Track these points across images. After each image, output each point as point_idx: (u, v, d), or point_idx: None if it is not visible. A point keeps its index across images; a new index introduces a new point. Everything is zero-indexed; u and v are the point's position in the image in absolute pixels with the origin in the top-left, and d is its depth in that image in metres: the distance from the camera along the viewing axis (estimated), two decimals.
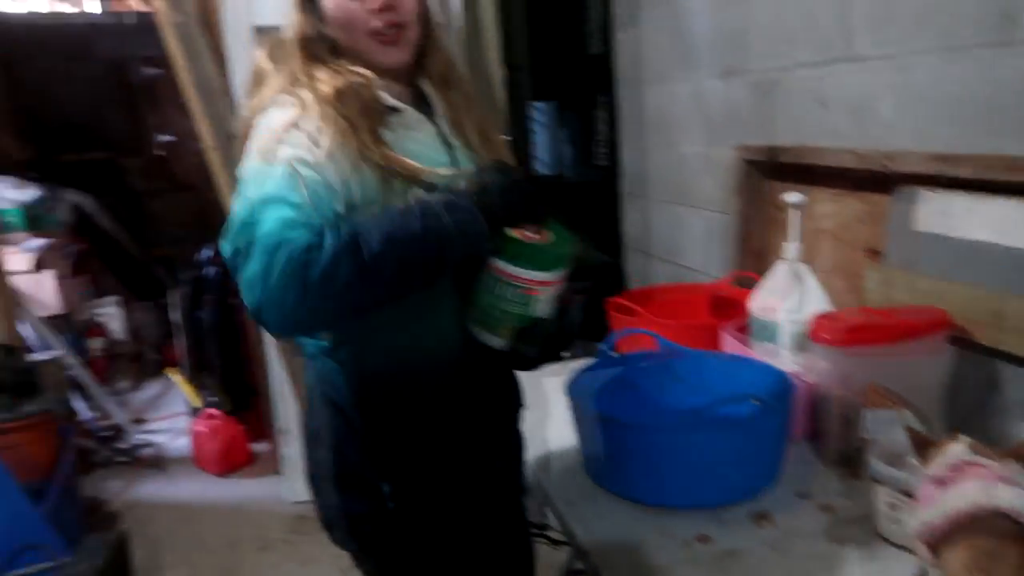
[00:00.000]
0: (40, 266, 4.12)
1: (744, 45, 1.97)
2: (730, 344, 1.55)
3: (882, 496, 1.09)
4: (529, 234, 1.10)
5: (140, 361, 4.78)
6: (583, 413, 1.30)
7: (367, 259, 0.97)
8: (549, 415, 1.59)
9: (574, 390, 1.34)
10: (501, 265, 1.10)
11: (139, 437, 3.74)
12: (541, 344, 1.16)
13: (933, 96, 1.40)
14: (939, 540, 0.83)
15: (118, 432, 3.74)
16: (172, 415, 4.01)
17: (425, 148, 1.18)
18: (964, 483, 0.83)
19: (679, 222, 2.47)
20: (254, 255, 0.97)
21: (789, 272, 1.43)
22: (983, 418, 1.32)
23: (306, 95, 1.12)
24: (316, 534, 1.36)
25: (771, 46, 1.87)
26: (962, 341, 1.33)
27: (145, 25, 5.52)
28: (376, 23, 1.14)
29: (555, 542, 1.75)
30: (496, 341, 1.14)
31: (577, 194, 3.20)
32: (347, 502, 1.22)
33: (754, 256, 2.07)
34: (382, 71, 1.18)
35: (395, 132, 1.15)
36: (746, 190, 2.02)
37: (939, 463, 0.87)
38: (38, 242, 4.23)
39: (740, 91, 2.02)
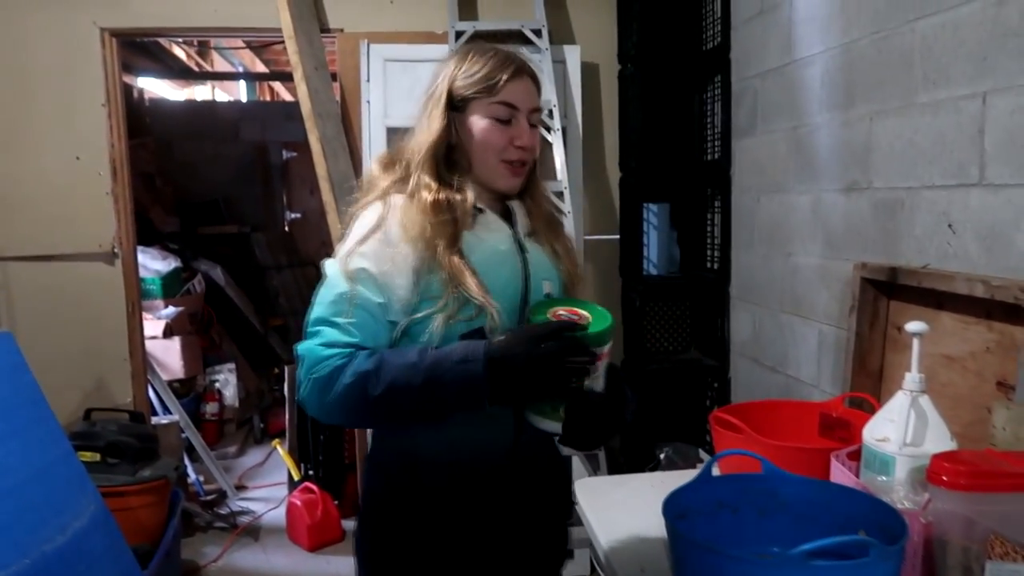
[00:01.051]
0: (169, 332, 4.39)
1: (868, 161, 1.93)
2: (839, 472, 1.46)
3: None
4: (564, 316, 1.15)
5: (247, 427, 4.96)
6: (678, 534, 1.25)
7: (370, 399, 1.11)
8: (649, 523, 1.54)
9: (670, 509, 1.29)
10: None
11: (239, 504, 3.83)
12: (593, 425, 1.19)
13: None
14: None
15: (221, 497, 3.85)
16: (272, 484, 4.10)
17: (500, 246, 1.28)
18: None
19: (790, 332, 2.40)
20: (301, 365, 1.16)
21: (908, 403, 1.35)
22: None
23: (396, 200, 1.23)
24: None
25: (897, 165, 1.82)
26: None
27: (286, 112, 6.00)
28: (513, 155, 1.26)
29: None
30: (547, 425, 1.17)
31: (685, 296, 3.18)
32: (369, 564, 1.32)
33: (869, 376, 1.97)
34: (489, 189, 1.30)
35: (475, 232, 1.26)
36: (864, 308, 1.94)
37: None
38: (170, 309, 4.53)
39: (862, 207, 1.97)
